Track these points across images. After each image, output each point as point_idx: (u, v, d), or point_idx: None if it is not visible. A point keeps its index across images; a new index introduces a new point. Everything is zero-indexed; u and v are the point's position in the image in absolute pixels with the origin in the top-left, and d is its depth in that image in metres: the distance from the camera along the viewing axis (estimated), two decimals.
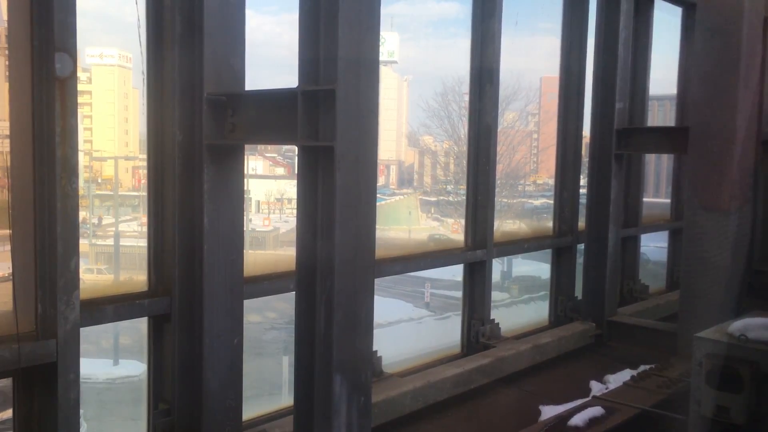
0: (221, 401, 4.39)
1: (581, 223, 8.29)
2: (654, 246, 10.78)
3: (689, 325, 6.29)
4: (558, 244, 8.30)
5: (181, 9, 4.21)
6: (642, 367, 6.57)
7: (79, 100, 3.82)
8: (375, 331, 4.05)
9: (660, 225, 10.36)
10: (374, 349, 5.40)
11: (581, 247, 8.31)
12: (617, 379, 6.38)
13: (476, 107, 7.01)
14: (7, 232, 3.80)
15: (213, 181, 4.24)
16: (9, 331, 3.68)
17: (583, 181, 8.38)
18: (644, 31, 9.18)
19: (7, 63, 3.76)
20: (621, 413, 5.52)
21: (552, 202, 8.52)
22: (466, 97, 7.30)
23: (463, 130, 7.46)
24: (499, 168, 7.21)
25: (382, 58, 3.98)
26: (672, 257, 10.49)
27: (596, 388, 6.24)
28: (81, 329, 3.83)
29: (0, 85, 3.86)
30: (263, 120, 4.05)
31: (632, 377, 6.33)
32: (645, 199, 9.71)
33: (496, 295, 7.53)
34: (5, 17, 3.74)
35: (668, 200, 10.62)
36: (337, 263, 3.64)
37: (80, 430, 3.87)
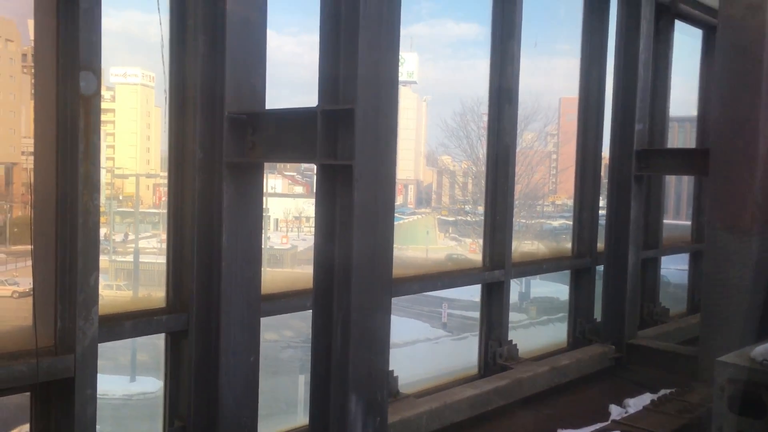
0: (237, 419, 4.39)
1: (600, 245, 8.23)
2: (674, 268, 10.67)
3: (710, 349, 6.20)
4: (577, 266, 8.24)
5: (203, 29, 4.27)
6: (662, 392, 6.48)
7: (103, 118, 3.89)
8: (391, 351, 4.04)
9: (681, 247, 10.25)
10: (390, 368, 5.38)
11: (600, 268, 8.24)
12: (637, 403, 6.30)
13: (495, 127, 7.01)
14: (30, 247, 3.84)
15: (232, 199, 4.27)
16: (28, 345, 3.70)
17: (602, 202, 8.33)
18: (664, 52, 9.16)
19: (33, 81, 3.83)
20: None
21: (571, 223, 8.48)
22: (485, 118, 7.31)
23: (482, 150, 7.47)
24: (518, 188, 7.20)
25: (401, 78, 4.01)
26: (693, 280, 10.36)
27: (615, 411, 6.16)
28: (99, 345, 3.85)
29: (26, 103, 3.93)
30: (283, 138, 4.09)
31: (652, 401, 6.24)
32: (665, 221, 9.62)
33: (513, 316, 7.48)
34: (32, 36, 3.82)
35: (689, 222, 10.52)
36: (354, 281, 3.64)
37: None
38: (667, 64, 9.23)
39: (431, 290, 6.69)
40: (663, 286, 9.77)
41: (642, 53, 7.77)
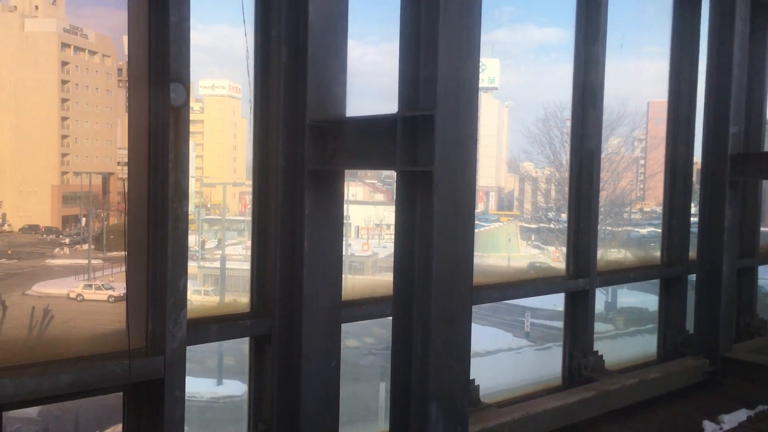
0: (318, 423, 4.43)
1: (692, 253, 7.91)
2: None
3: None
4: (666, 275, 7.94)
5: (286, 40, 4.36)
6: (759, 407, 6.16)
7: (192, 129, 4.02)
8: (473, 360, 3.99)
9: None
10: (472, 377, 5.32)
11: (692, 278, 7.91)
12: (732, 419, 6.01)
13: (579, 133, 6.85)
14: (124, 253, 4.02)
15: (314, 206, 4.33)
16: (121, 347, 3.87)
17: (693, 209, 8.01)
18: (760, 52, 8.73)
19: (127, 94, 4.01)
20: None
21: (660, 230, 8.18)
22: (568, 123, 7.16)
23: (565, 156, 7.33)
24: (603, 195, 7.02)
25: (482, 84, 3.97)
26: None
27: (709, 428, 5.90)
28: (187, 347, 3.97)
29: (121, 115, 4.13)
30: (363, 146, 4.12)
31: (749, 417, 5.94)
32: (763, 229, 9.15)
33: (599, 327, 7.26)
34: (126, 51, 4.00)
35: None
36: (435, 288, 3.62)
37: None
38: (764, 63, 8.79)
39: (513, 298, 6.59)
40: (761, 297, 9.28)
41: (736, 53, 7.43)
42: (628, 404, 6.46)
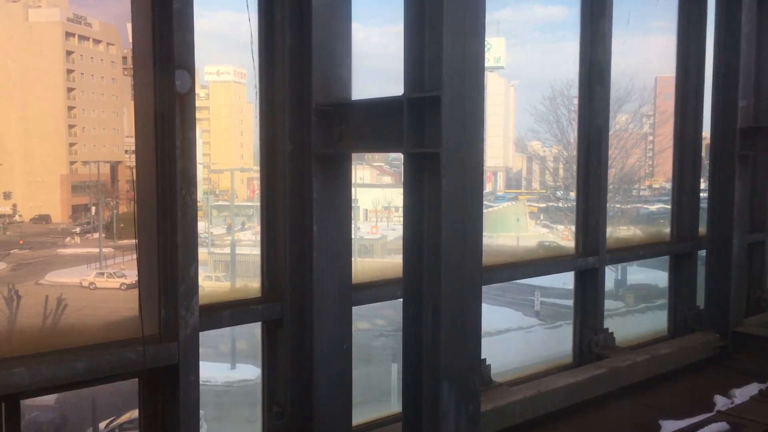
0: (332, 406, 4.48)
1: (702, 229, 7.89)
2: None
3: None
4: (676, 251, 7.92)
5: (290, 23, 4.35)
6: None
7: (198, 116, 4.02)
8: (483, 340, 4.01)
9: None
10: (483, 357, 5.35)
11: (702, 254, 7.89)
12: (744, 393, 6.02)
13: (586, 110, 6.81)
14: (134, 241, 4.05)
15: (321, 190, 4.34)
16: (135, 334, 3.91)
17: (703, 184, 7.97)
18: None
19: (132, 82, 4.02)
20: (748, 429, 5.19)
21: (669, 206, 8.15)
22: (576, 101, 7.12)
23: (573, 134, 7.30)
24: (612, 172, 7.00)
25: (488, 63, 3.96)
26: None
27: (721, 402, 5.91)
28: (200, 333, 4.01)
29: (127, 103, 4.14)
30: (369, 128, 4.12)
31: (760, 391, 5.95)
32: None
33: (609, 304, 7.27)
34: (130, 39, 4.00)
35: None
36: (444, 269, 3.63)
37: (200, 430, 4.05)
38: None
39: (522, 278, 6.60)
40: None
41: (744, 26, 7.35)
42: (639, 380, 6.48)
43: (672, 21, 7.89)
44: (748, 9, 7.40)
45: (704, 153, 8.05)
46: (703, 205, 7.88)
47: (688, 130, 7.92)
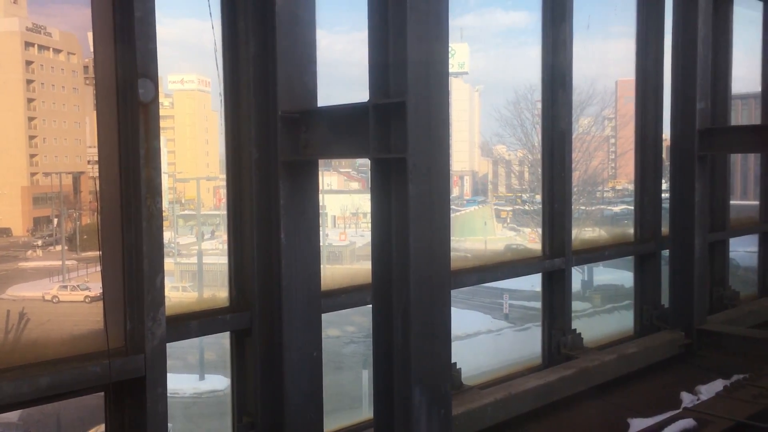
0: (303, 414, 4.45)
1: (665, 229, 8.03)
2: (744, 251, 10.30)
3: None
4: (640, 251, 8.05)
5: (254, 31, 4.33)
6: (735, 377, 6.27)
7: (162, 124, 3.98)
8: (454, 344, 4.02)
9: (749, 228, 9.89)
10: (453, 361, 5.37)
11: (666, 253, 8.03)
12: (709, 389, 6.12)
13: (549, 114, 6.90)
14: (98, 253, 3.98)
15: (288, 197, 4.32)
16: (101, 347, 3.84)
17: (664, 185, 8.11)
18: (724, 27, 8.84)
19: (94, 92, 3.96)
20: (714, 425, 5.28)
21: (632, 207, 8.29)
22: (539, 105, 7.20)
23: (537, 137, 7.37)
24: (576, 175, 7.09)
25: (452, 69, 3.98)
26: (763, 262, 9.98)
27: (687, 399, 6.00)
28: (168, 344, 3.95)
29: (90, 113, 4.07)
30: (336, 135, 4.11)
31: (725, 387, 6.05)
32: (732, 202, 9.30)
33: (577, 305, 7.36)
34: (92, 49, 3.94)
35: (757, 202, 10.13)
36: (413, 274, 3.64)
37: None
38: (728, 39, 8.91)
39: (491, 281, 6.63)
40: (732, 269, 9.45)
41: (701, 29, 7.51)
42: (607, 380, 6.56)
43: (631, 25, 8.03)
44: (705, 12, 7.56)
45: (665, 154, 8.20)
46: (665, 205, 8.02)
47: (648, 132, 8.06)
